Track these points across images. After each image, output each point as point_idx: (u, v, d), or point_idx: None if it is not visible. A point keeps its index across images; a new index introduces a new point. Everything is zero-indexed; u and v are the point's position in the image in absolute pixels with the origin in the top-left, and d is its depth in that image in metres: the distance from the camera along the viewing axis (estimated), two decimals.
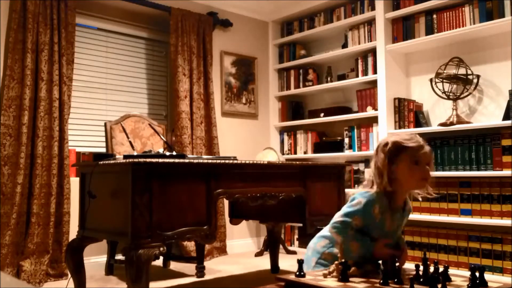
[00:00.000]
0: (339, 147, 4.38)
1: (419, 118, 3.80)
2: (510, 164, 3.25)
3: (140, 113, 3.98)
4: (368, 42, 4.18)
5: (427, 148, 1.72)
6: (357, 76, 4.28)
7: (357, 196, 1.76)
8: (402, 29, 3.93)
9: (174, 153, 2.52)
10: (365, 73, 4.23)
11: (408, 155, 1.70)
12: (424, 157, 1.70)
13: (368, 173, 1.81)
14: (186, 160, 2.38)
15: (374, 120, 4.07)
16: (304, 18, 4.80)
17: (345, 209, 1.75)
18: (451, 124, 3.55)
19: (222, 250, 4.36)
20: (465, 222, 3.46)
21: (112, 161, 2.37)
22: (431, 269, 1.45)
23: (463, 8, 3.57)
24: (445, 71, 3.60)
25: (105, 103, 4.05)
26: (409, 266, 1.73)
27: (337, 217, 1.74)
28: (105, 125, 3.65)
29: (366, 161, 4.15)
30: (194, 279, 3.47)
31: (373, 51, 4.11)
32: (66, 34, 3.61)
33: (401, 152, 1.71)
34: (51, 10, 3.54)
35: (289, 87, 4.90)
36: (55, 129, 3.49)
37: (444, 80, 3.61)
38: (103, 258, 3.68)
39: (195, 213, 2.35)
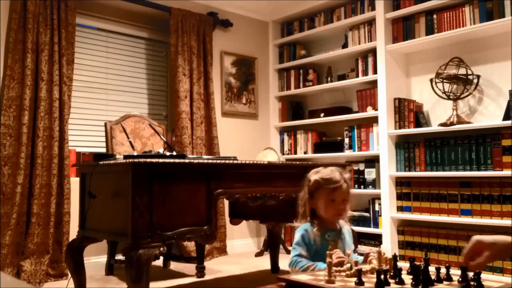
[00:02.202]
0: (339, 147, 4.38)
1: (419, 118, 3.80)
2: (510, 164, 3.25)
3: (140, 113, 3.98)
4: (368, 42, 4.18)
5: (344, 186, 1.92)
6: (357, 76, 4.28)
7: (296, 231, 1.95)
8: (402, 29, 3.93)
9: (174, 153, 2.52)
10: (365, 73, 4.23)
11: (324, 193, 1.91)
12: (340, 195, 1.91)
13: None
14: (186, 160, 2.38)
15: (374, 120, 4.07)
16: (304, 18, 4.79)
17: (293, 246, 1.94)
18: (451, 124, 3.55)
19: (222, 250, 4.36)
20: (465, 222, 3.46)
21: (112, 161, 2.37)
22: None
23: (463, 8, 3.57)
24: (445, 71, 3.60)
25: (105, 103, 4.05)
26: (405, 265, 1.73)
27: (291, 256, 1.91)
28: (105, 125, 3.65)
29: (366, 161, 4.15)
30: (194, 279, 3.47)
31: (373, 51, 4.11)
32: (66, 34, 3.61)
33: (319, 190, 1.92)
34: (51, 10, 3.54)
35: (289, 87, 4.90)
36: (55, 129, 3.49)
37: (444, 80, 3.61)
38: (103, 258, 3.68)
39: (195, 213, 2.35)
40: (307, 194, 1.96)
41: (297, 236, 1.91)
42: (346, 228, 2.01)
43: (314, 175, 1.96)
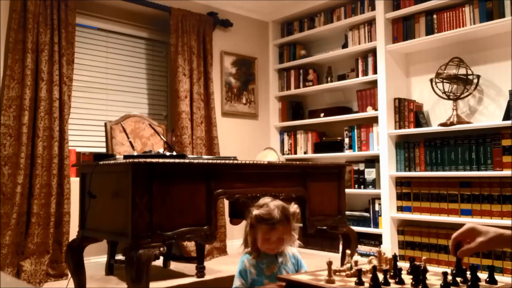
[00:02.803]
0: (339, 147, 4.38)
1: (419, 118, 3.80)
2: (510, 164, 3.25)
3: (140, 113, 3.98)
4: (368, 42, 4.18)
5: (280, 227, 1.94)
6: (357, 76, 4.28)
7: (239, 261, 2.03)
8: (402, 29, 3.93)
9: (174, 153, 2.52)
10: (365, 73, 4.23)
11: (261, 230, 1.96)
12: (275, 234, 1.94)
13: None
14: (186, 160, 2.38)
15: (374, 120, 4.07)
16: (304, 18, 4.79)
17: (235, 275, 2.02)
18: (451, 124, 3.55)
19: (222, 250, 4.35)
20: (465, 222, 3.44)
21: (112, 161, 2.37)
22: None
23: (463, 8, 3.57)
24: (445, 71, 3.60)
25: (105, 103, 4.05)
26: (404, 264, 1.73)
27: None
28: (105, 125, 3.65)
29: (366, 161, 4.15)
30: (194, 279, 3.47)
31: (373, 51, 4.11)
32: (66, 34, 3.61)
33: (257, 225, 1.98)
34: (51, 10, 3.54)
35: (289, 87, 4.90)
36: (55, 129, 3.49)
37: (444, 80, 3.61)
38: (103, 258, 3.68)
39: (195, 213, 2.36)
40: (248, 225, 2.02)
41: (239, 265, 2.00)
42: (291, 253, 2.05)
43: (255, 210, 1.99)
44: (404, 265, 1.58)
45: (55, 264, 3.45)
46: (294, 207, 2.05)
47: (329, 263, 1.46)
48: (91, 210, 2.43)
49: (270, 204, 2.00)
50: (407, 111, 3.85)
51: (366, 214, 4.09)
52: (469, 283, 1.33)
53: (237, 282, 1.98)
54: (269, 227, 1.94)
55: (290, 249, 2.07)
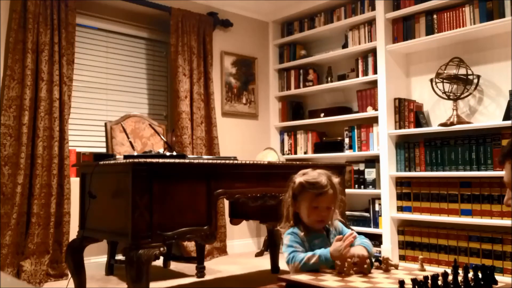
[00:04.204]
0: (339, 147, 4.38)
1: (420, 118, 3.80)
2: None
3: (140, 113, 3.98)
4: (368, 42, 4.18)
5: (329, 192, 1.79)
6: (357, 76, 4.28)
7: (284, 236, 1.83)
8: (403, 29, 3.93)
9: (174, 153, 2.52)
10: (365, 73, 4.23)
11: (308, 198, 1.80)
12: (324, 201, 1.79)
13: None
14: (187, 160, 2.38)
15: (374, 120, 4.07)
16: (305, 18, 4.79)
17: (284, 250, 1.80)
18: (452, 124, 3.55)
19: (222, 250, 4.35)
20: (465, 222, 3.46)
21: (112, 161, 2.37)
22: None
23: (463, 8, 3.57)
24: (445, 71, 3.60)
25: (105, 103, 4.05)
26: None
27: (286, 256, 1.78)
28: (106, 125, 3.65)
29: (367, 161, 4.15)
30: (194, 279, 3.47)
31: (373, 51, 4.11)
32: (67, 34, 3.61)
33: (303, 193, 1.81)
34: (51, 10, 3.54)
35: (289, 87, 4.90)
36: (56, 129, 3.49)
37: (444, 80, 3.61)
38: (103, 258, 3.68)
39: (195, 213, 2.35)
40: (290, 196, 1.85)
41: (286, 240, 1.79)
42: (339, 227, 1.90)
43: (299, 177, 1.85)
44: (406, 265, 1.58)
45: (55, 264, 3.45)
46: (337, 178, 1.88)
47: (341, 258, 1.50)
48: (91, 210, 2.43)
49: (313, 172, 1.86)
50: (407, 111, 3.85)
51: (366, 214, 4.09)
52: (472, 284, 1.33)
53: (292, 248, 1.74)
54: (317, 192, 1.78)
55: (336, 223, 1.89)
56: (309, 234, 1.80)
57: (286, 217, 1.86)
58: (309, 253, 1.68)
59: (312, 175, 1.84)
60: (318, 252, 1.67)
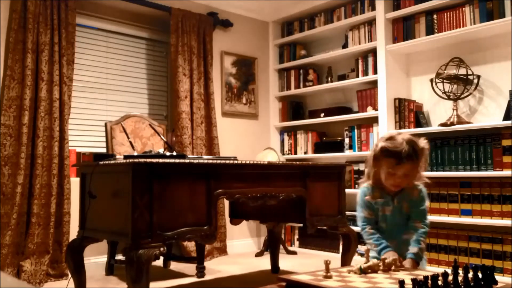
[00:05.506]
0: (339, 147, 4.38)
1: (420, 118, 3.80)
2: (511, 164, 3.25)
3: (140, 113, 3.98)
4: (368, 42, 4.18)
5: (408, 162, 1.85)
6: (357, 76, 4.28)
7: (359, 191, 2.03)
8: (403, 29, 3.93)
9: (174, 153, 2.52)
10: (365, 73, 4.23)
11: (386, 164, 1.87)
12: (401, 170, 1.86)
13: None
14: (187, 160, 2.38)
15: (374, 120, 4.07)
16: (305, 18, 4.79)
17: (357, 207, 2.04)
18: (452, 124, 3.55)
19: (222, 250, 4.35)
20: (465, 223, 3.46)
21: (112, 161, 2.37)
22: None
23: (463, 8, 3.57)
24: (445, 71, 3.60)
25: (106, 103, 4.05)
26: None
27: (358, 220, 2.02)
28: (106, 125, 3.65)
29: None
30: (194, 279, 3.47)
31: (373, 51, 4.11)
32: (67, 34, 3.61)
33: (382, 158, 1.89)
34: (51, 10, 3.54)
35: (289, 87, 4.90)
36: (56, 129, 3.49)
37: (444, 80, 3.61)
38: (103, 258, 3.68)
39: (195, 213, 2.35)
40: (372, 156, 1.94)
41: (358, 198, 1.99)
42: (417, 190, 1.97)
43: (382, 142, 1.91)
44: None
45: (55, 264, 3.45)
46: (423, 142, 1.92)
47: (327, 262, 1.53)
48: (91, 210, 2.43)
49: (398, 137, 1.89)
50: (407, 111, 3.85)
51: None
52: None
53: (362, 212, 1.97)
54: (396, 161, 1.84)
55: (416, 187, 1.97)
56: (381, 195, 1.96)
57: (367, 174, 2.00)
58: (376, 242, 1.91)
59: (395, 142, 1.87)
60: (378, 249, 1.90)
